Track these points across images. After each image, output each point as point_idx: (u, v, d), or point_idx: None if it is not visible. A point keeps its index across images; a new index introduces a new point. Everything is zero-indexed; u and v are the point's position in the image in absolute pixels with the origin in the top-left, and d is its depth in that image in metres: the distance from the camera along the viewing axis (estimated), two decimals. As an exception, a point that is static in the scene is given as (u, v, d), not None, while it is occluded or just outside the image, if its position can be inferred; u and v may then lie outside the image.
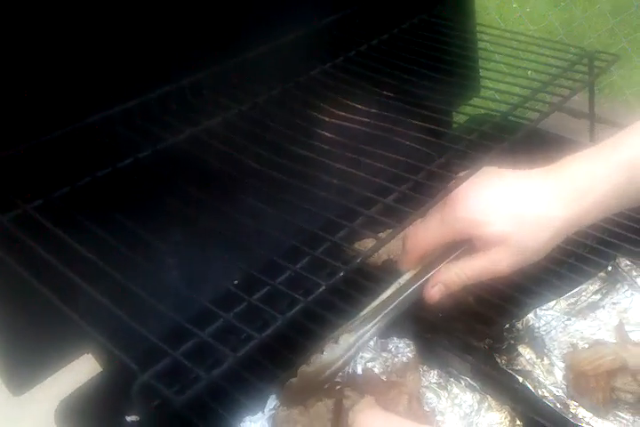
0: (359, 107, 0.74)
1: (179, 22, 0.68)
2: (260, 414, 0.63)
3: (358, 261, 0.53)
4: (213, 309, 0.50)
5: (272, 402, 0.64)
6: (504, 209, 0.58)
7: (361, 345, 0.60)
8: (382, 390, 0.63)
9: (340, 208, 0.61)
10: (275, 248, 0.57)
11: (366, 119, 0.72)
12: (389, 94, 0.77)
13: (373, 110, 0.74)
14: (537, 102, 0.74)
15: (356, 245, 0.77)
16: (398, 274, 0.65)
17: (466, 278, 0.61)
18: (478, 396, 0.64)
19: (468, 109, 0.91)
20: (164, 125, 0.67)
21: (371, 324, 0.60)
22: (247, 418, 0.63)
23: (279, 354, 0.70)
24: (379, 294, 0.64)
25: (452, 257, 0.62)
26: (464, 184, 0.59)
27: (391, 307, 0.61)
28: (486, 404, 0.63)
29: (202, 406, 0.67)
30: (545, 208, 0.58)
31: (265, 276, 0.55)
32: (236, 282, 0.64)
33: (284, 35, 0.77)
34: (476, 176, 0.60)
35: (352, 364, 0.65)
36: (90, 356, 0.63)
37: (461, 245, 0.62)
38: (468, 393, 0.64)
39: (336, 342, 0.59)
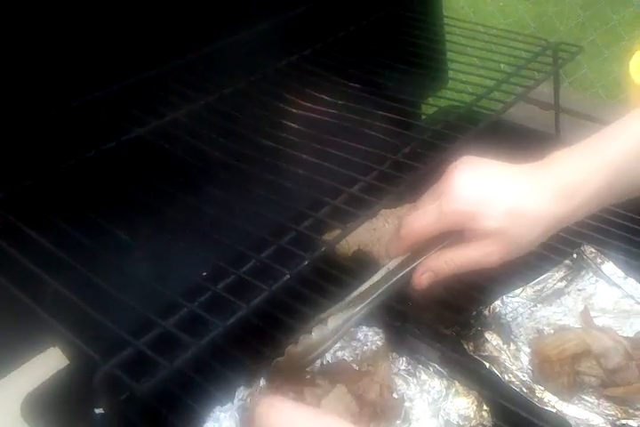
0: (326, 98, 0.75)
1: (143, 14, 0.68)
2: (229, 404, 0.63)
3: (323, 249, 0.54)
4: (177, 299, 0.49)
5: (241, 392, 0.64)
6: (499, 204, 0.59)
7: (348, 328, 0.60)
8: (353, 378, 0.63)
9: (307, 199, 0.61)
10: (242, 239, 0.57)
11: (333, 110, 0.72)
12: (357, 86, 0.77)
13: (340, 102, 0.74)
14: (502, 93, 0.75)
15: (326, 236, 0.77)
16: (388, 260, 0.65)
17: (455, 267, 0.61)
18: (446, 382, 0.65)
19: (438, 101, 0.92)
20: (128, 117, 0.67)
21: (359, 307, 0.60)
22: (217, 409, 0.63)
23: (248, 344, 0.70)
24: (367, 279, 0.63)
25: (442, 245, 0.62)
26: (458, 175, 0.60)
27: (380, 291, 0.61)
28: (454, 389, 0.64)
29: (171, 398, 0.67)
30: (538, 205, 0.59)
31: (231, 266, 0.55)
32: (204, 274, 0.64)
33: (250, 26, 0.77)
34: (463, 165, 0.61)
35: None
36: (56, 349, 0.62)
37: (453, 235, 0.62)
38: (436, 379, 0.65)
39: (325, 324, 0.59)
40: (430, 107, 0.98)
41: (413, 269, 0.63)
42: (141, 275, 0.56)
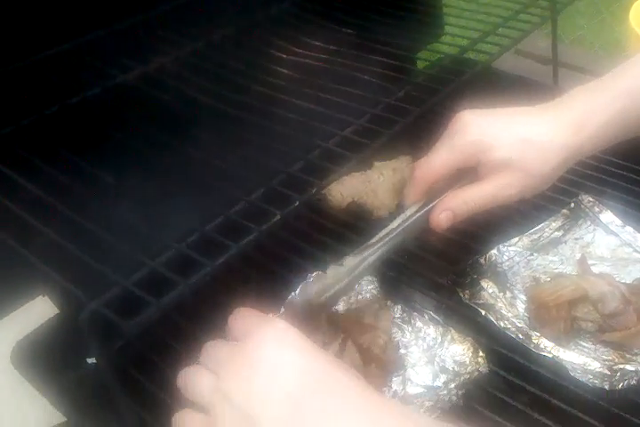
0: (319, 44, 0.73)
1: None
2: None
3: (314, 190, 0.52)
4: (165, 239, 0.48)
5: None
6: (511, 134, 0.58)
7: (366, 268, 0.58)
8: (357, 330, 0.63)
9: (299, 143, 0.60)
10: (231, 182, 0.56)
11: (326, 56, 0.70)
12: (350, 32, 0.75)
13: (334, 48, 0.72)
14: (500, 38, 0.73)
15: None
16: (403, 208, 0.63)
17: (474, 205, 0.59)
18: (441, 329, 0.64)
19: (436, 47, 0.89)
20: (114, 63, 0.65)
21: (375, 247, 0.59)
22: None
23: (243, 295, 0.69)
24: (385, 226, 0.61)
25: (457, 186, 0.61)
26: (467, 115, 0.60)
27: (396, 232, 0.59)
28: (449, 336, 0.63)
29: (167, 350, 0.67)
30: (549, 135, 0.58)
31: (220, 209, 0.53)
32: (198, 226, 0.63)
33: (239, -29, 0.75)
34: (469, 111, 0.61)
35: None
36: (46, 298, 0.61)
37: (467, 175, 0.61)
38: (431, 327, 0.64)
39: (340, 264, 0.57)
40: (428, 54, 0.95)
41: (430, 210, 0.61)
42: (130, 219, 0.54)
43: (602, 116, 0.58)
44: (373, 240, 0.60)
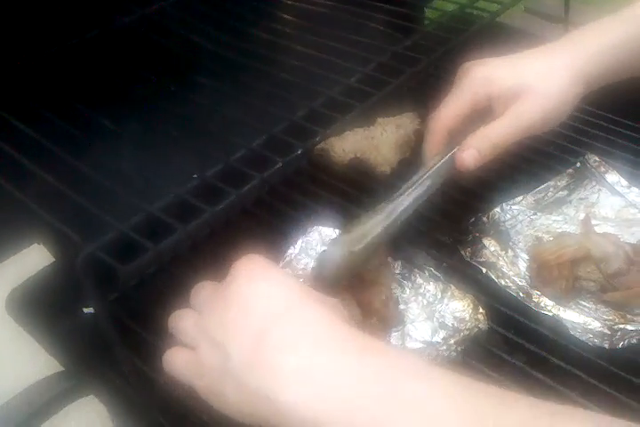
0: (324, -9, 0.70)
1: None
2: None
3: (317, 139, 0.51)
4: (164, 185, 0.47)
5: None
6: (519, 66, 0.58)
7: (401, 213, 0.57)
8: (359, 287, 0.62)
9: (302, 90, 0.58)
10: (233, 129, 0.54)
11: (332, 2, 0.68)
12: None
13: (339, -5, 0.70)
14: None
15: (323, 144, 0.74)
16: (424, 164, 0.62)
17: (496, 140, 0.57)
18: (442, 285, 0.63)
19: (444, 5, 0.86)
20: (112, 5, 0.63)
21: (406, 193, 0.57)
22: None
23: (241, 248, 0.68)
24: (410, 178, 0.60)
25: (476, 126, 0.59)
26: (476, 63, 0.60)
27: (425, 176, 0.58)
28: (449, 293, 0.62)
29: (162, 300, 0.66)
30: (559, 60, 0.58)
31: (221, 156, 0.52)
32: (195, 176, 0.61)
33: None
34: (477, 61, 0.60)
35: (312, 261, 0.64)
36: (41, 246, 0.60)
37: (483, 116, 0.59)
38: (431, 283, 0.63)
39: (374, 211, 0.56)
40: (440, 4, 0.92)
41: (455, 154, 0.59)
42: (129, 165, 0.53)
43: (610, 41, 0.59)
44: (400, 192, 0.58)
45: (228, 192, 0.47)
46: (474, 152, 0.57)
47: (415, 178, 0.59)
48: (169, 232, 0.46)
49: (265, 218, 0.72)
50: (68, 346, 0.61)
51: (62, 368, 0.59)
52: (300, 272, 0.64)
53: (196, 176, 0.58)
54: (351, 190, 0.75)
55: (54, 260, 0.61)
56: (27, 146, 0.54)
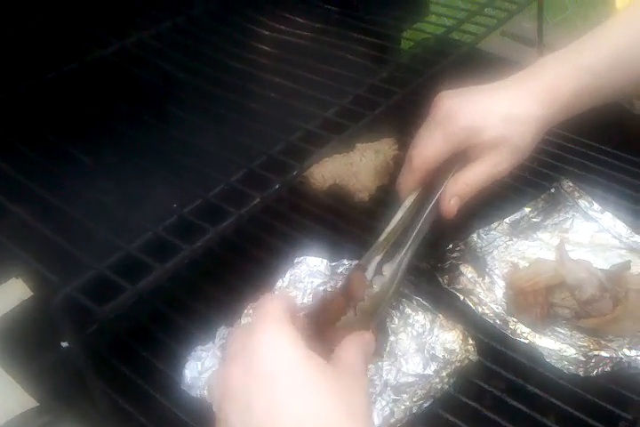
0: (301, 21, 0.71)
1: None
2: (210, 343, 0.62)
3: (295, 173, 0.51)
4: (141, 222, 0.47)
5: (222, 331, 0.62)
6: (494, 115, 0.62)
7: (403, 272, 0.61)
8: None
9: (280, 123, 0.58)
10: (210, 163, 0.55)
11: (309, 33, 0.68)
12: (334, 9, 0.73)
13: (317, 25, 0.71)
14: (486, 18, 0.72)
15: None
16: (399, 198, 0.66)
17: (474, 186, 0.63)
18: (430, 315, 0.63)
19: (422, 26, 0.87)
20: (91, 38, 0.63)
21: (404, 250, 0.61)
22: (198, 348, 0.62)
23: (223, 281, 0.69)
24: (389, 219, 0.64)
25: (453, 172, 0.64)
26: (450, 99, 0.63)
27: (417, 230, 0.62)
28: (438, 323, 0.62)
29: (146, 335, 0.66)
30: (526, 109, 0.63)
31: (199, 191, 0.52)
32: (175, 206, 0.62)
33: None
34: (449, 93, 0.64)
35: (302, 294, 0.64)
36: (19, 280, 0.60)
37: (459, 159, 0.64)
38: (420, 313, 0.63)
39: (380, 273, 0.60)
40: (412, 34, 0.94)
41: (436, 201, 0.63)
42: (105, 200, 0.53)
43: (567, 91, 0.63)
44: (384, 236, 0.62)
45: (206, 229, 0.47)
46: (457, 199, 0.63)
47: (393, 225, 0.63)
48: (147, 270, 0.46)
49: (247, 248, 0.72)
50: (45, 381, 0.61)
51: (37, 404, 0.58)
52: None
53: (175, 206, 0.59)
54: (331, 217, 0.76)
55: (32, 294, 0.60)
56: (1, 180, 0.54)
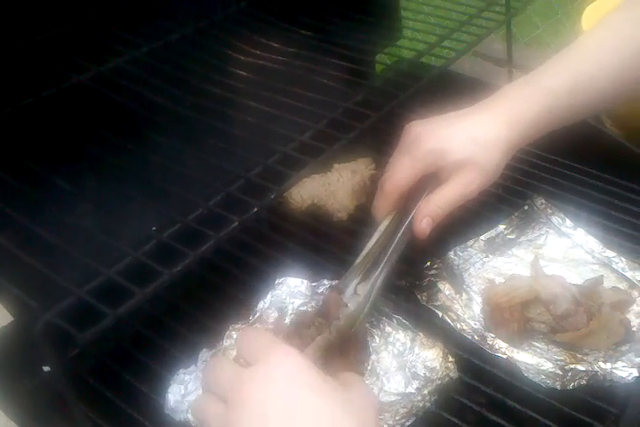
0: (276, 46, 0.72)
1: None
2: (193, 366, 0.62)
3: (272, 196, 0.52)
4: (121, 247, 0.48)
5: (204, 354, 0.63)
6: (460, 137, 0.65)
7: (378, 291, 0.63)
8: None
9: (256, 147, 0.59)
10: (189, 188, 0.55)
11: (283, 58, 0.70)
12: (309, 34, 0.75)
13: (291, 49, 0.72)
14: (456, 42, 0.74)
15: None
16: (375, 222, 0.68)
17: (446, 207, 0.65)
18: (411, 334, 0.64)
19: (394, 51, 0.89)
20: (68, 64, 0.64)
21: (378, 270, 0.63)
22: (181, 371, 0.62)
23: (205, 302, 0.69)
24: (365, 242, 0.66)
25: (425, 194, 0.66)
26: (418, 126, 0.67)
27: (390, 250, 0.64)
28: (419, 341, 0.63)
29: (127, 358, 0.66)
30: (491, 131, 0.65)
31: (178, 215, 0.53)
32: (154, 228, 0.62)
33: (197, -30, 0.74)
34: (418, 122, 0.68)
35: (280, 315, 0.65)
36: (-1, 305, 0.60)
37: (430, 182, 0.66)
38: (400, 332, 0.64)
39: (355, 293, 0.61)
40: (385, 57, 0.96)
41: (409, 224, 0.66)
42: (86, 226, 0.54)
43: (530, 113, 0.66)
44: (361, 259, 0.64)
45: (186, 253, 0.48)
46: (429, 220, 0.65)
47: (369, 248, 0.65)
48: (128, 294, 0.46)
49: (227, 268, 0.72)
50: (27, 405, 0.61)
51: (20, 429, 0.58)
52: (271, 326, 0.64)
53: (154, 229, 0.59)
54: (311, 237, 0.77)
55: (13, 318, 0.60)
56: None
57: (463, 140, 0.64)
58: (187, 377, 0.61)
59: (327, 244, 0.75)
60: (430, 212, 0.65)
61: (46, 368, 0.62)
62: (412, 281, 0.71)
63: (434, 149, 0.64)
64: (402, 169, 0.65)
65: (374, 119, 0.59)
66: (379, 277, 0.63)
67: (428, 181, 0.66)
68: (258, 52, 0.71)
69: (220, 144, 0.58)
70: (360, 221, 0.78)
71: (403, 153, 0.66)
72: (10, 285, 0.50)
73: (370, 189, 0.80)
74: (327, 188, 0.83)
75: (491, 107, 0.67)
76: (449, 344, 0.64)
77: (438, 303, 0.68)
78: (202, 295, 0.70)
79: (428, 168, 0.65)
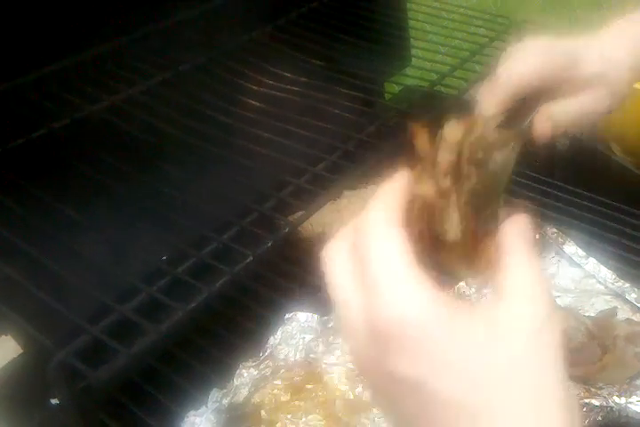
0: (288, 75, 0.73)
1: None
2: (203, 407, 0.61)
3: (286, 230, 0.52)
4: (134, 282, 0.47)
5: (215, 394, 0.62)
6: (594, 53, 0.56)
7: None
8: None
9: (270, 179, 0.59)
10: (202, 220, 0.55)
11: (295, 88, 0.70)
12: (319, 63, 0.75)
13: (303, 79, 0.72)
14: (467, 72, 0.74)
15: (289, 218, 0.76)
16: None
17: (573, 114, 0.56)
18: None
19: (402, 80, 0.90)
20: (82, 94, 0.64)
21: None
22: (191, 413, 0.61)
23: (218, 335, 0.69)
24: None
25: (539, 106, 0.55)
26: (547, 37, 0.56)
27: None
28: None
29: (138, 391, 0.65)
30: (622, 53, 0.58)
31: (191, 248, 0.53)
32: (164, 258, 0.62)
33: (209, 0, 0.74)
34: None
35: (294, 350, 0.64)
36: (9, 337, 0.59)
37: (549, 93, 0.55)
38: None
39: None
40: (395, 86, 0.97)
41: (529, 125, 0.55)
42: (97, 258, 0.53)
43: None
44: None
45: (200, 288, 0.47)
46: (552, 123, 0.56)
47: None
48: (141, 332, 0.46)
49: (238, 299, 0.72)
50: (35, 439, 0.60)
51: (28, 464, 0.58)
52: (282, 363, 0.64)
53: (164, 258, 0.59)
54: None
55: (22, 351, 0.60)
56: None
57: (595, 54, 0.56)
58: (197, 420, 0.60)
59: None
60: (555, 114, 0.55)
61: (54, 401, 0.62)
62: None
63: (569, 52, 0.55)
64: (529, 63, 0.53)
65: (386, 151, 0.59)
66: None
67: (547, 93, 0.55)
68: (270, 82, 0.71)
69: (232, 175, 0.59)
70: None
71: (531, 48, 0.54)
72: (20, 318, 0.50)
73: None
74: (337, 215, 0.82)
75: (616, 30, 0.59)
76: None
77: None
78: (213, 327, 0.69)
79: (557, 73, 0.54)
